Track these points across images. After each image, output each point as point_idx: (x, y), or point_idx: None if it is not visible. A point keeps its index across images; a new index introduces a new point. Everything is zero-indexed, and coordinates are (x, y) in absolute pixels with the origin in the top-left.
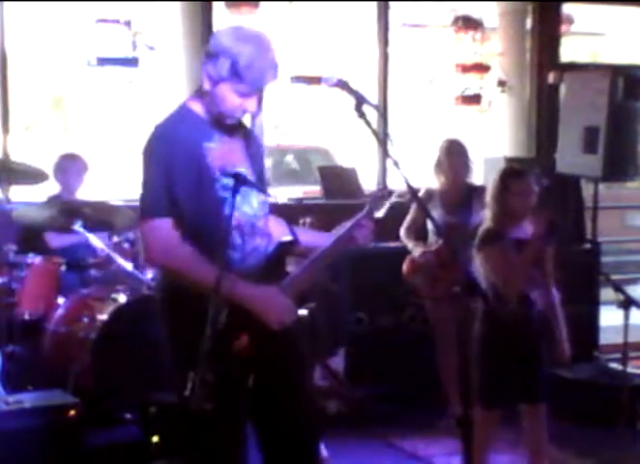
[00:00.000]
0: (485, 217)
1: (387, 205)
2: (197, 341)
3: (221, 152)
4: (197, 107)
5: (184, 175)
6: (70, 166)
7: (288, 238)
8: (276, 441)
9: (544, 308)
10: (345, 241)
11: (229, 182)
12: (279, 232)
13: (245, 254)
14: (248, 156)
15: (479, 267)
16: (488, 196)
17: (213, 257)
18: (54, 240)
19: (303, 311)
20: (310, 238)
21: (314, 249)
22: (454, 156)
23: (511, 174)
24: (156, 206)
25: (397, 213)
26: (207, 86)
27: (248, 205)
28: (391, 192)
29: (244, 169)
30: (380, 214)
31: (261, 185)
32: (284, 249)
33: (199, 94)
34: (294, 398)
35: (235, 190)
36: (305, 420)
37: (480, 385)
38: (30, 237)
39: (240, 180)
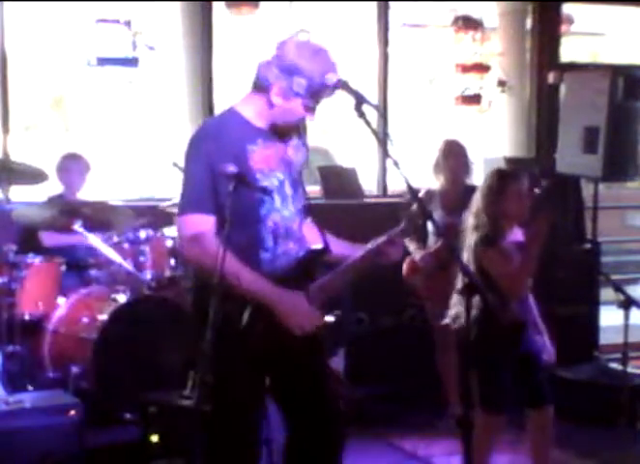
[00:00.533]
0: (479, 221)
1: (420, 224)
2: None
3: (263, 155)
4: (248, 112)
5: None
6: (72, 166)
7: (319, 246)
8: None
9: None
10: (376, 255)
11: (271, 183)
12: (312, 239)
13: (275, 256)
14: (288, 160)
15: (474, 269)
16: (481, 200)
17: (244, 256)
18: (48, 239)
19: (330, 318)
20: (342, 248)
21: (345, 259)
22: (453, 156)
23: (507, 176)
24: (195, 202)
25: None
26: (278, 101)
27: (287, 209)
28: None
29: (280, 174)
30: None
31: (298, 187)
32: (314, 256)
33: (253, 101)
34: (315, 381)
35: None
36: (329, 397)
37: (481, 389)
38: (30, 237)
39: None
